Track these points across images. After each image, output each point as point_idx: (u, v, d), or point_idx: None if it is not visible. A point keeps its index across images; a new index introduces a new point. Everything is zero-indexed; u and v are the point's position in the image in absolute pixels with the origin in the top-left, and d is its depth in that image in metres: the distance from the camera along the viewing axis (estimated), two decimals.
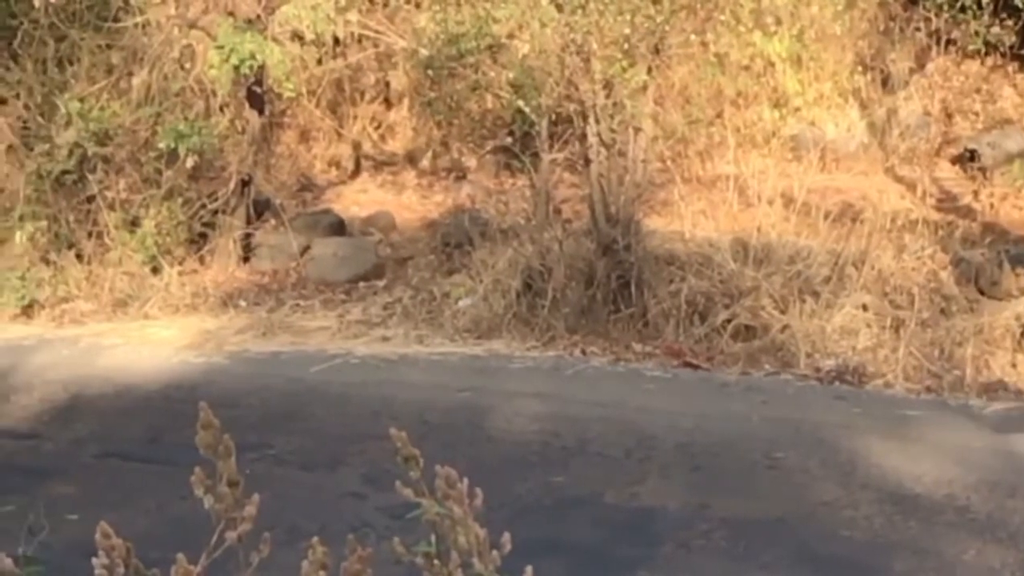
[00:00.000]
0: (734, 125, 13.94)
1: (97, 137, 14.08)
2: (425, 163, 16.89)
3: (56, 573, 2.95)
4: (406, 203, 16.19)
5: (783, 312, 10.72)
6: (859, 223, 11.89)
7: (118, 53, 15.16)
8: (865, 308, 10.84)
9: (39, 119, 14.99)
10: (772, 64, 15.12)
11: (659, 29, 11.07)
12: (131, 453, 8.58)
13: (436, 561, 2.74)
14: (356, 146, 17.40)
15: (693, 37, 11.80)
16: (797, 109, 15.18)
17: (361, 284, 13.67)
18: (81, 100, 14.31)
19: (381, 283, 13.62)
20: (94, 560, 2.49)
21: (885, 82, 15.56)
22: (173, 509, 7.38)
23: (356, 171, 17.25)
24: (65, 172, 14.07)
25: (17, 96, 15.49)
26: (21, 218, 13.98)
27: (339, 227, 15.16)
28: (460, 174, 16.35)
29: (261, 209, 15.10)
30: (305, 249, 14.39)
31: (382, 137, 17.78)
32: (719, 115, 14.14)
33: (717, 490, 7.71)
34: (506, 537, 2.72)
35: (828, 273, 11.14)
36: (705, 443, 8.58)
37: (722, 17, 11.59)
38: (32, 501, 7.01)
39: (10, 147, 15.39)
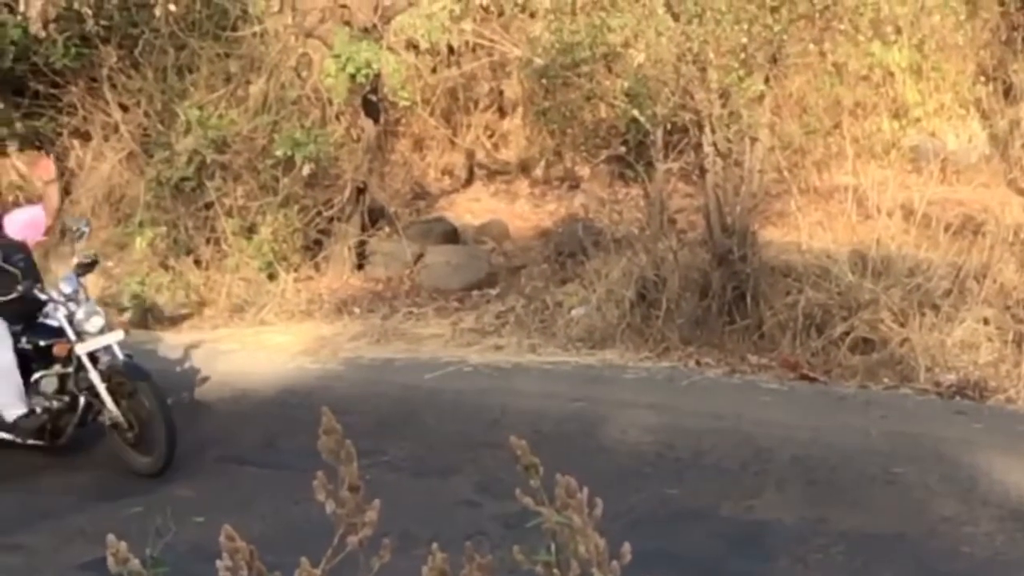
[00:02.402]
0: (852, 135, 13.76)
1: (215, 144, 14.26)
2: (538, 172, 16.89)
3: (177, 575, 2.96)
4: (519, 212, 16.20)
5: (902, 325, 10.55)
6: (980, 236, 11.68)
7: (236, 62, 15.36)
8: (986, 322, 10.64)
9: (159, 126, 15.23)
10: (891, 74, 14.91)
11: (776, 38, 10.96)
12: (248, 457, 8.67)
13: (555, 570, 2.71)
14: (469, 155, 17.46)
15: (811, 47, 11.66)
16: (917, 120, 14.96)
17: (474, 292, 13.70)
18: (200, 108, 14.51)
19: (494, 291, 13.64)
20: (218, 562, 2.50)
21: (1007, 93, 15.27)
22: (288, 514, 7.42)
23: (469, 179, 17.30)
24: (184, 179, 14.27)
25: (138, 104, 15.75)
26: (141, 224, 14.21)
27: (452, 235, 15.22)
28: (573, 183, 16.32)
29: (375, 217, 15.18)
30: (419, 257, 14.45)
31: (495, 146, 17.82)
32: (837, 125, 13.97)
33: (834, 504, 7.60)
34: (626, 547, 2.69)
35: (949, 286, 10.95)
36: (822, 457, 8.46)
37: (841, 27, 11.44)
38: (154, 503, 7.10)
39: (131, 154, 15.66)
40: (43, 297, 8.82)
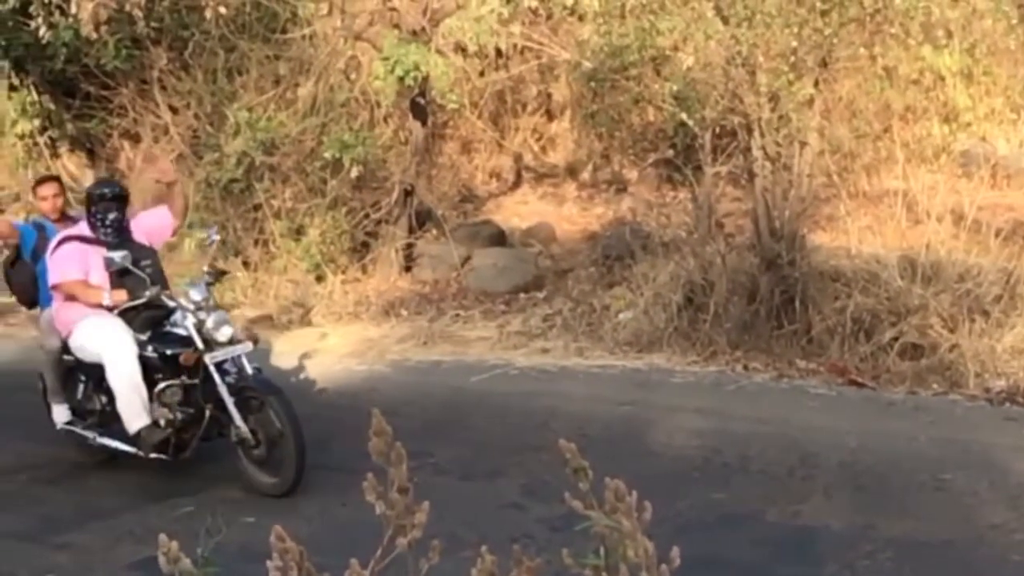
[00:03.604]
0: (902, 140, 13.64)
1: (264, 146, 14.33)
2: (586, 175, 16.89)
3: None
4: (566, 215, 16.21)
5: (952, 331, 10.47)
6: None
7: (285, 64, 15.43)
8: None
9: (208, 128, 15.33)
10: (942, 78, 14.81)
11: (826, 42, 10.91)
12: None
13: (604, 574, 2.71)
14: (517, 158, 17.48)
15: (861, 50, 11.59)
16: (968, 124, 14.84)
17: (521, 295, 13.71)
18: (249, 110, 14.59)
19: (541, 294, 13.65)
20: (269, 563, 2.51)
21: None
22: (335, 515, 7.46)
23: (517, 182, 17.32)
24: (233, 180, 14.35)
25: (188, 106, 15.86)
26: (190, 225, 14.26)
27: (499, 238, 15.24)
28: (621, 186, 16.31)
29: (423, 219, 15.23)
30: (466, 259, 14.48)
31: (543, 149, 17.83)
32: (887, 129, 13.88)
33: (882, 510, 7.55)
34: (675, 552, 2.69)
35: (999, 292, 10.86)
36: (870, 463, 8.41)
37: (891, 30, 11.35)
38: (203, 504, 7.14)
39: (180, 155, 15.75)
40: (171, 304, 8.45)
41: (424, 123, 14.90)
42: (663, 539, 2.69)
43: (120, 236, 8.65)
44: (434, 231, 15.14)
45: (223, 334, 8.27)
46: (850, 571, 6.71)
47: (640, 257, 12.77)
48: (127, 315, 8.45)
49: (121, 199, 8.80)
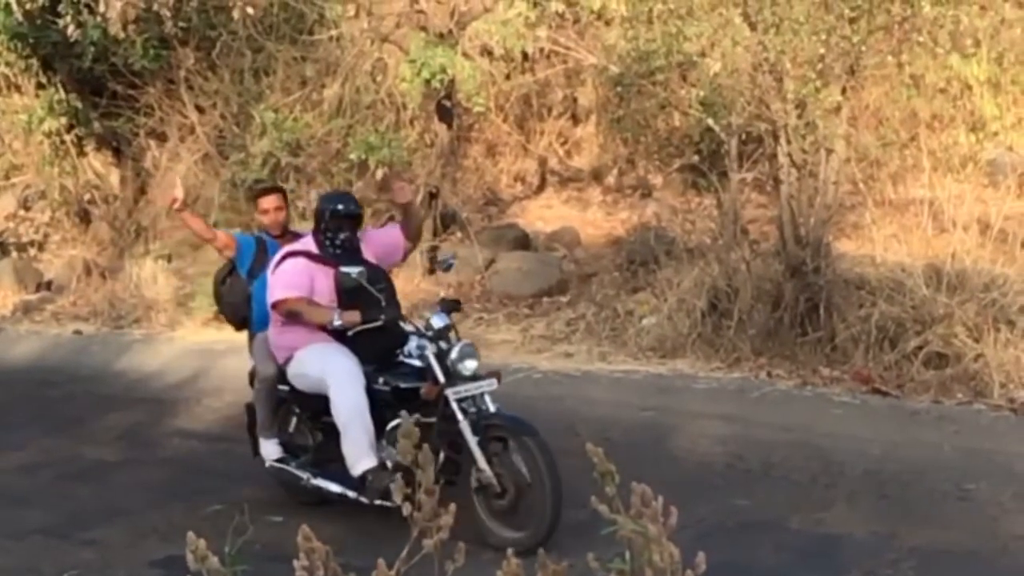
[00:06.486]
0: (929, 148, 13.57)
1: (290, 147, 14.37)
2: (611, 180, 16.87)
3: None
4: (591, 219, 16.18)
5: (977, 341, 10.43)
6: None
7: (312, 65, 15.48)
8: None
9: (235, 128, 15.38)
10: (969, 87, 14.75)
11: (854, 49, 10.87)
12: None
13: None
14: (542, 161, 17.47)
15: (889, 58, 11.55)
16: (995, 133, 14.76)
17: (545, 299, 13.71)
18: (275, 111, 14.63)
19: (565, 299, 13.65)
20: (295, 562, 2.52)
21: None
22: (359, 517, 7.47)
23: (541, 186, 17.31)
24: (258, 181, 14.37)
25: (214, 106, 15.91)
26: (215, 225, 14.30)
27: (524, 241, 15.23)
28: (646, 192, 16.29)
29: (447, 222, 15.25)
30: (490, 263, 14.48)
31: (568, 153, 17.81)
32: (913, 138, 13.82)
33: (906, 520, 7.53)
34: (701, 557, 2.69)
35: None
36: (894, 471, 8.39)
37: (919, 38, 11.31)
38: (228, 503, 7.14)
39: (206, 155, 15.82)
40: (409, 328, 7.67)
41: (450, 126, 14.92)
42: (685, 545, 2.71)
43: (351, 257, 7.74)
44: (458, 234, 15.15)
45: (467, 367, 7.44)
46: None
47: (664, 263, 12.76)
48: (356, 342, 7.60)
49: (356, 218, 7.94)
